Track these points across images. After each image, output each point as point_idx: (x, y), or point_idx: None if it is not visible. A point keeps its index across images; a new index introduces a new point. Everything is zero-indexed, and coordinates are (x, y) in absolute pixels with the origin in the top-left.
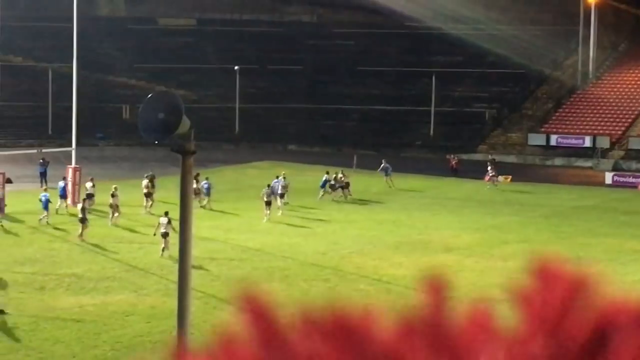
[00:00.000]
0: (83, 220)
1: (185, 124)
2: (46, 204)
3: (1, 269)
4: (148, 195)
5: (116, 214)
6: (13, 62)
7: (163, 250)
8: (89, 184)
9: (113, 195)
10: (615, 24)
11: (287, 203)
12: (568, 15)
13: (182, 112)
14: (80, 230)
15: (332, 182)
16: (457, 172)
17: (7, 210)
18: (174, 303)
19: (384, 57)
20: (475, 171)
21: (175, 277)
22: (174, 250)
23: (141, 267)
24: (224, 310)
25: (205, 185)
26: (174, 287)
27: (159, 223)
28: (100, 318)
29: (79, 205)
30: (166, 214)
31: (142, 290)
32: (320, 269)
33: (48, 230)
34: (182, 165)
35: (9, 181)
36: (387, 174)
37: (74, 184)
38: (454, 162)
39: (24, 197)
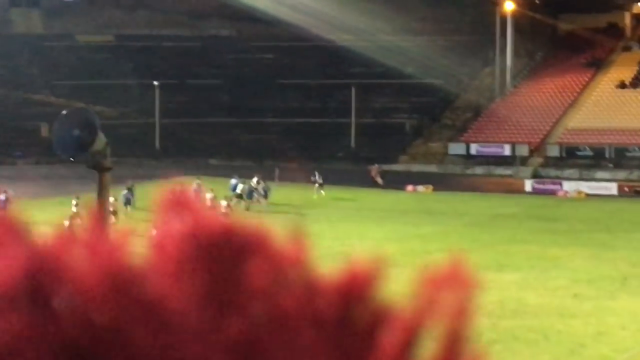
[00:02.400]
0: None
1: (101, 140)
2: None
3: None
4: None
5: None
6: None
7: None
8: (73, 202)
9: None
10: (531, 33)
11: None
12: (485, 24)
13: (97, 128)
14: None
15: (254, 188)
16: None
17: None
18: None
19: (303, 70)
20: (396, 181)
21: None
22: None
23: None
24: None
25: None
26: None
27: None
28: None
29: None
30: None
31: None
32: None
33: None
34: (99, 181)
35: None
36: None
37: None
38: (373, 173)
39: None
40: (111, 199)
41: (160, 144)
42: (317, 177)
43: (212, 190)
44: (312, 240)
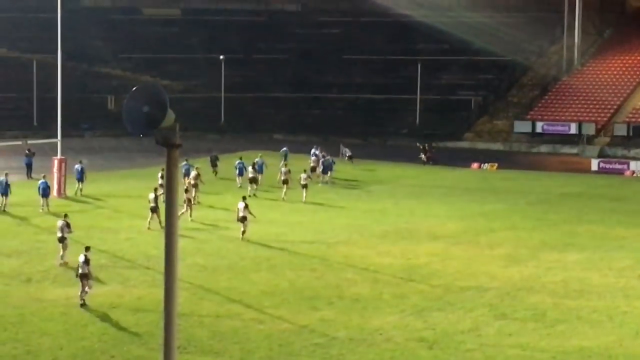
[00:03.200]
0: (154, 210)
1: (170, 117)
2: (45, 192)
3: None
4: (195, 186)
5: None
6: None
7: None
8: (159, 174)
9: (186, 191)
10: (600, 10)
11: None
12: (553, 2)
13: (167, 105)
14: (148, 219)
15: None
16: (431, 160)
17: None
18: (160, 294)
19: (369, 46)
20: (463, 159)
21: (161, 267)
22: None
23: (127, 259)
24: (211, 301)
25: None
26: (160, 278)
27: (238, 208)
28: (87, 310)
29: (151, 195)
30: (244, 198)
31: (128, 282)
32: (307, 259)
33: (34, 222)
34: (167, 158)
35: None
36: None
37: (59, 175)
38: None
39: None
40: (194, 173)
41: (225, 118)
42: (345, 151)
43: (197, 168)
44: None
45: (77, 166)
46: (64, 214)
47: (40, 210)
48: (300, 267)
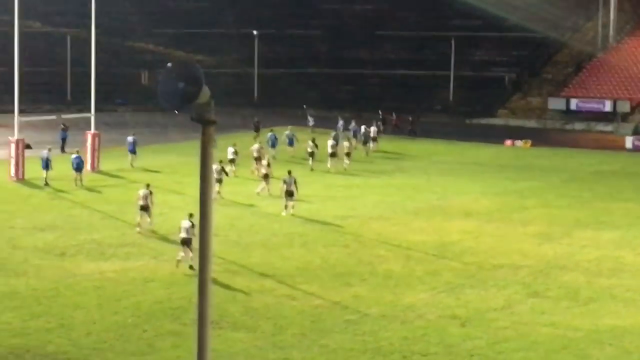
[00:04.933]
0: (220, 181)
1: (206, 93)
2: (78, 166)
3: (21, 235)
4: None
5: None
6: (32, 28)
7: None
8: (230, 149)
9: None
10: None
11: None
12: None
13: (202, 81)
14: (217, 189)
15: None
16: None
17: (27, 176)
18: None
19: (402, 22)
20: (496, 135)
21: (195, 243)
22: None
23: (161, 233)
24: (244, 276)
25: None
26: (194, 254)
27: (284, 182)
28: (121, 284)
29: (215, 167)
30: (289, 173)
31: (162, 257)
32: (339, 235)
33: (68, 197)
34: (202, 135)
35: (28, 147)
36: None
37: (92, 150)
38: (395, 121)
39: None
40: (256, 146)
41: (259, 93)
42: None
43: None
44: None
45: (130, 138)
46: (146, 183)
47: (75, 185)
48: (332, 244)
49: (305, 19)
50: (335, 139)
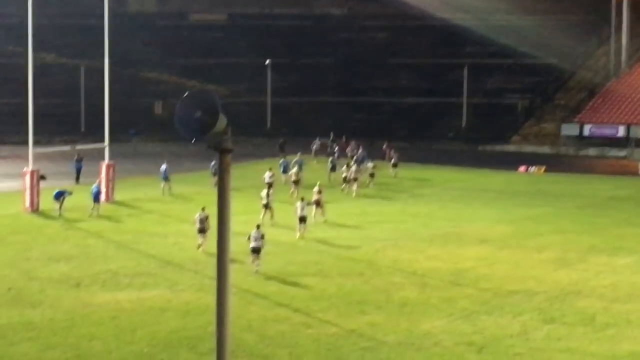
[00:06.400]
0: (267, 206)
1: (222, 122)
2: (96, 196)
3: (36, 266)
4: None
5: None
6: (46, 59)
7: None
8: (267, 174)
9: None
10: None
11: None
12: (599, 5)
13: (219, 110)
14: (261, 215)
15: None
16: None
17: (41, 207)
18: (209, 298)
19: (415, 49)
20: (510, 162)
21: (210, 272)
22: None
23: (176, 263)
24: (259, 305)
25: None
26: (208, 283)
27: (296, 207)
28: (136, 314)
29: (263, 192)
30: (302, 199)
31: (177, 286)
32: (355, 263)
33: (83, 227)
34: (220, 162)
35: (42, 178)
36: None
37: (107, 180)
38: (388, 151)
39: None
40: (268, 173)
41: (272, 122)
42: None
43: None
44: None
45: (163, 166)
46: (202, 207)
47: (90, 215)
48: (348, 271)
49: (317, 47)
50: (333, 163)
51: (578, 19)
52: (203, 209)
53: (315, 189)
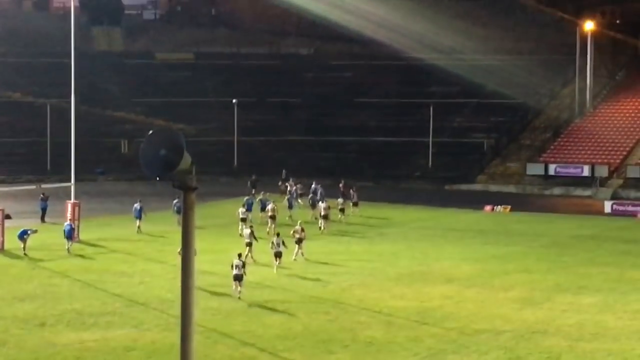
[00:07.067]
0: (249, 244)
1: (187, 160)
2: (70, 233)
3: (1, 305)
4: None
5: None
6: (12, 97)
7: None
8: (241, 210)
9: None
10: (612, 53)
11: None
12: (565, 45)
13: (183, 148)
14: (245, 253)
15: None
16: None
17: (6, 246)
18: (174, 337)
19: (381, 89)
20: (475, 201)
21: (175, 311)
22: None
23: (142, 302)
24: (225, 345)
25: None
26: (174, 322)
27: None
28: (101, 354)
29: (246, 231)
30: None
31: (142, 325)
32: (320, 302)
33: (48, 266)
34: (184, 201)
35: (8, 217)
36: (315, 201)
37: (73, 219)
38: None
39: None
40: (242, 209)
41: (238, 161)
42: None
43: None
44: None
45: (136, 205)
46: (238, 253)
47: (67, 253)
48: (314, 311)
49: (284, 87)
50: (289, 202)
51: (543, 59)
52: (239, 256)
53: (297, 227)
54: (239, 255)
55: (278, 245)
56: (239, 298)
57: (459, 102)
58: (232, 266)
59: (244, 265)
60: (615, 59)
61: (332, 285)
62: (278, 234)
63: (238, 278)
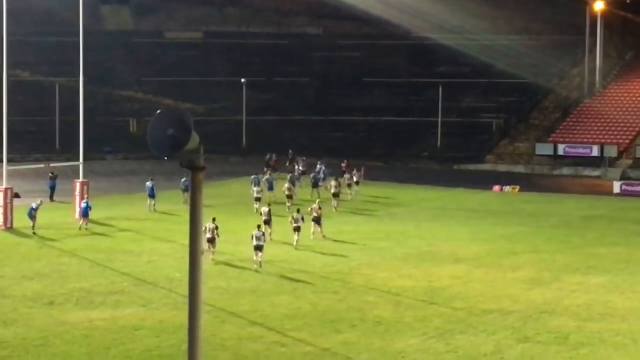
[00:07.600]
0: (268, 222)
1: (195, 139)
2: (85, 211)
3: (10, 284)
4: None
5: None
6: (20, 77)
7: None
8: (255, 189)
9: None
10: (621, 33)
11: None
12: (574, 25)
13: (191, 128)
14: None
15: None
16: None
17: (15, 224)
18: (182, 317)
19: (390, 68)
20: (484, 181)
21: (183, 290)
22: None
23: (150, 281)
24: (233, 324)
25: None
26: (182, 301)
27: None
28: (110, 332)
29: (264, 208)
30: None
31: (151, 304)
32: (329, 281)
33: (57, 245)
34: (191, 180)
35: (16, 196)
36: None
37: (81, 198)
38: (348, 169)
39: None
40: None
41: (247, 141)
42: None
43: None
44: (400, 239)
45: (149, 183)
46: (212, 217)
47: (82, 230)
48: (322, 290)
49: (293, 66)
50: (292, 181)
51: (553, 39)
52: (213, 220)
53: (315, 205)
54: (258, 227)
55: (297, 221)
56: (257, 271)
57: (468, 82)
58: (252, 237)
59: (263, 235)
60: (624, 39)
61: (340, 264)
62: (298, 210)
63: (259, 248)
